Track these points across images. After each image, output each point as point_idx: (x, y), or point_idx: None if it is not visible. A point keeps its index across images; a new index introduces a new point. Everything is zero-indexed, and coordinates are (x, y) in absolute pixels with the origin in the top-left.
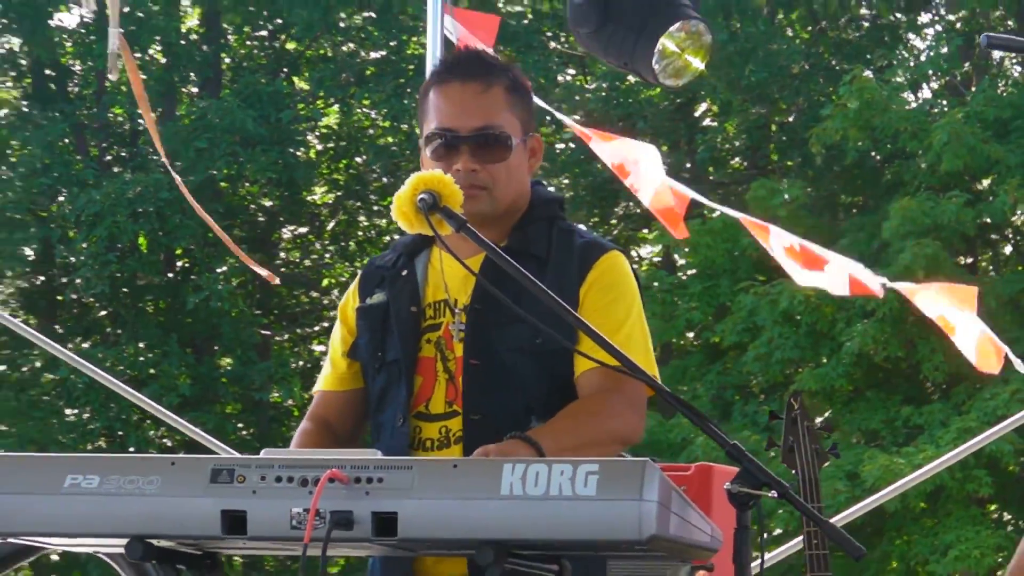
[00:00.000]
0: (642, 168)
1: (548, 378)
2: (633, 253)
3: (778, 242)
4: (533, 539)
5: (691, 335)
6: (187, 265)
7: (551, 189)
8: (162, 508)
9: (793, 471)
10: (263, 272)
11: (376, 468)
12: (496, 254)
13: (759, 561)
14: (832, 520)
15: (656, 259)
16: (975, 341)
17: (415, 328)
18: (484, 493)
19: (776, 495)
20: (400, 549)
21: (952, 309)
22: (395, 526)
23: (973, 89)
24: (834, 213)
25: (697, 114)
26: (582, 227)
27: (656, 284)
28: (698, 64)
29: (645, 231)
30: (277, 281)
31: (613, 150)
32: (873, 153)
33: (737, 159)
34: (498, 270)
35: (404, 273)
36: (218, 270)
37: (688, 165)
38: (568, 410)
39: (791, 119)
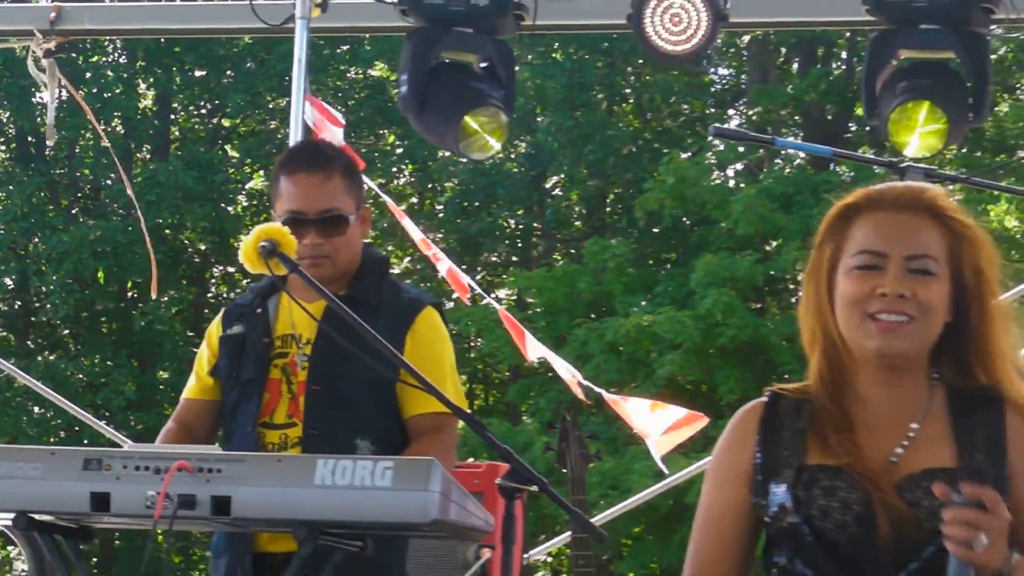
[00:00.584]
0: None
1: (377, 405)
2: (494, 294)
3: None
4: (340, 520)
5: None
6: (136, 295)
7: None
8: (42, 489)
9: (564, 471)
10: (154, 284)
11: (216, 460)
12: (334, 303)
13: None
14: (606, 512)
15: (512, 298)
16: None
17: (266, 354)
18: (301, 483)
19: (537, 489)
20: (234, 526)
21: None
22: (229, 507)
23: (765, 170)
24: (653, 266)
25: (548, 185)
26: (405, 282)
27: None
28: (495, 143)
29: (505, 276)
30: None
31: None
32: (684, 219)
33: (578, 221)
34: (340, 313)
35: (258, 311)
36: (161, 299)
37: (537, 225)
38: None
39: (620, 190)
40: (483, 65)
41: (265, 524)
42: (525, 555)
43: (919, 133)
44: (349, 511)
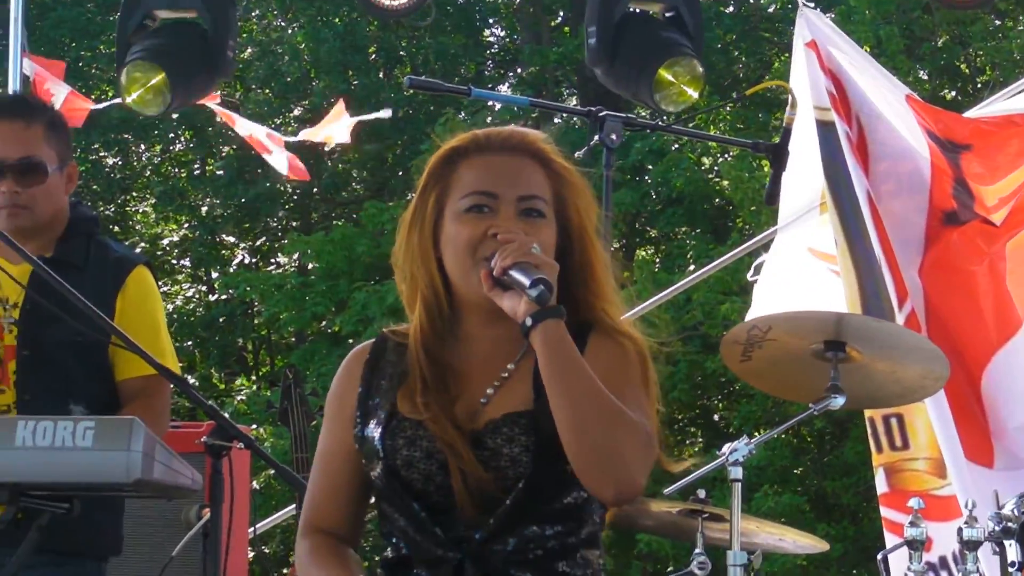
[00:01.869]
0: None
1: (89, 369)
2: (274, 260)
3: None
4: (42, 482)
5: (318, 325)
6: None
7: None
8: None
9: (288, 428)
10: None
11: None
12: (38, 266)
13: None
14: None
15: (293, 264)
16: None
17: None
18: (2, 444)
19: (243, 446)
20: None
21: None
22: None
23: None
24: None
25: (327, 147)
26: (113, 241)
27: (291, 283)
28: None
29: (284, 242)
30: None
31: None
32: None
33: (356, 184)
34: (46, 275)
35: None
36: None
37: (315, 189)
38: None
39: (398, 152)
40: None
41: None
42: (266, 520)
43: (681, 86)
44: (51, 472)
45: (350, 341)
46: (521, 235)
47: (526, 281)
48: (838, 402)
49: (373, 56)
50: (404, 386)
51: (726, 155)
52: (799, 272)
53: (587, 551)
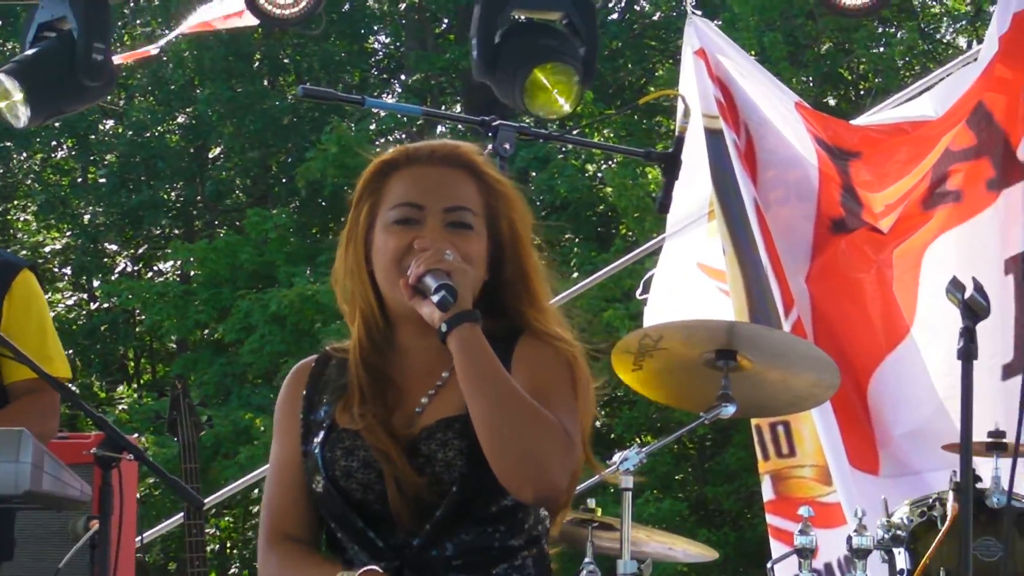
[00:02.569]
0: None
1: None
2: (156, 268)
3: None
4: None
5: (201, 333)
6: None
7: None
8: None
9: (176, 439)
10: None
11: None
12: None
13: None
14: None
15: (175, 273)
16: None
17: None
18: None
19: (133, 458)
20: None
21: None
22: None
23: (426, 137)
24: (316, 235)
25: (209, 156)
26: None
27: (174, 292)
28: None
29: (167, 250)
30: None
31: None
32: (346, 188)
33: (240, 192)
34: None
35: None
36: None
37: (199, 197)
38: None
39: (282, 160)
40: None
41: None
42: (152, 530)
43: (553, 93)
44: None
45: (231, 348)
46: (436, 243)
47: (433, 286)
48: (729, 411)
49: (257, 64)
50: (343, 399)
51: (610, 162)
52: (689, 288)
53: (529, 554)
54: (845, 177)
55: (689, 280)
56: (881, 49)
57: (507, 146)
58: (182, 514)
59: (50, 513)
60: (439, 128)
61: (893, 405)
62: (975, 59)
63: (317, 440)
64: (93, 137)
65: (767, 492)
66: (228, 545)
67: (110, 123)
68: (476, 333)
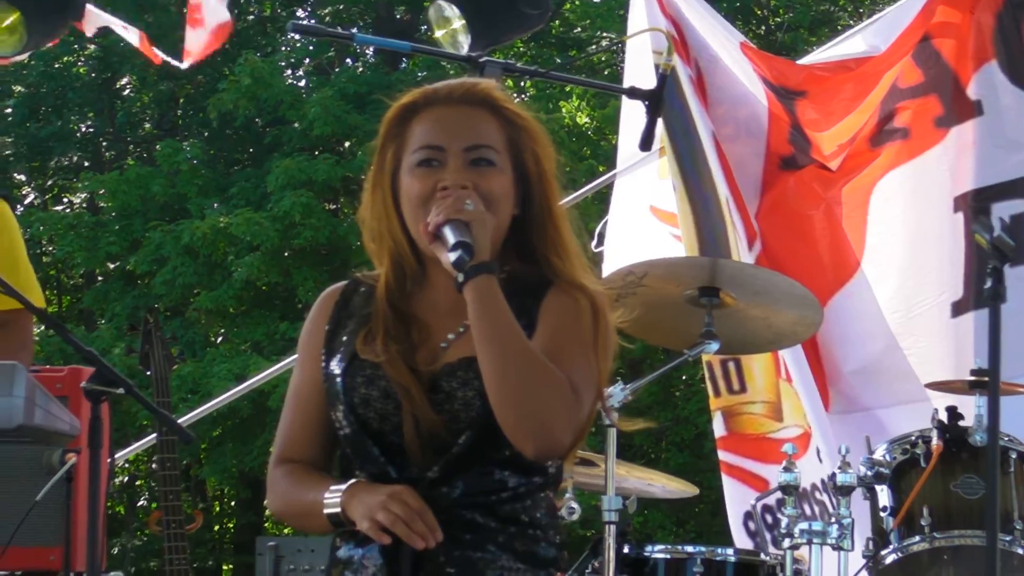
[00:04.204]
0: None
1: None
2: (66, 199)
3: None
4: None
5: (111, 265)
6: None
7: None
8: None
9: (148, 372)
10: None
11: None
12: None
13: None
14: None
15: (84, 204)
16: None
17: None
18: None
19: (123, 391)
20: None
21: None
22: None
23: (337, 69)
24: (227, 167)
25: (118, 87)
26: None
27: (84, 223)
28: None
29: (75, 181)
30: None
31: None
32: (257, 120)
33: (149, 123)
34: None
35: None
36: None
37: (109, 129)
38: None
39: (192, 91)
40: None
41: None
42: (110, 459)
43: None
44: None
45: (143, 280)
46: (459, 190)
47: (451, 241)
48: (712, 348)
49: None
50: (367, 330)
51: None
52: (643, 234)
53: (537, 496)
54: (792, 116)
55: (642, 224)
56: None
57: (495, 82)
58: (154, 435)
59: (26, 445)
60: (347, 61)
61: (841, 342)
62: None
63: (338, 364)
64: (0, 68)
65: (718, 428)
66: (137, 480)
67: None
68: (491, 285)
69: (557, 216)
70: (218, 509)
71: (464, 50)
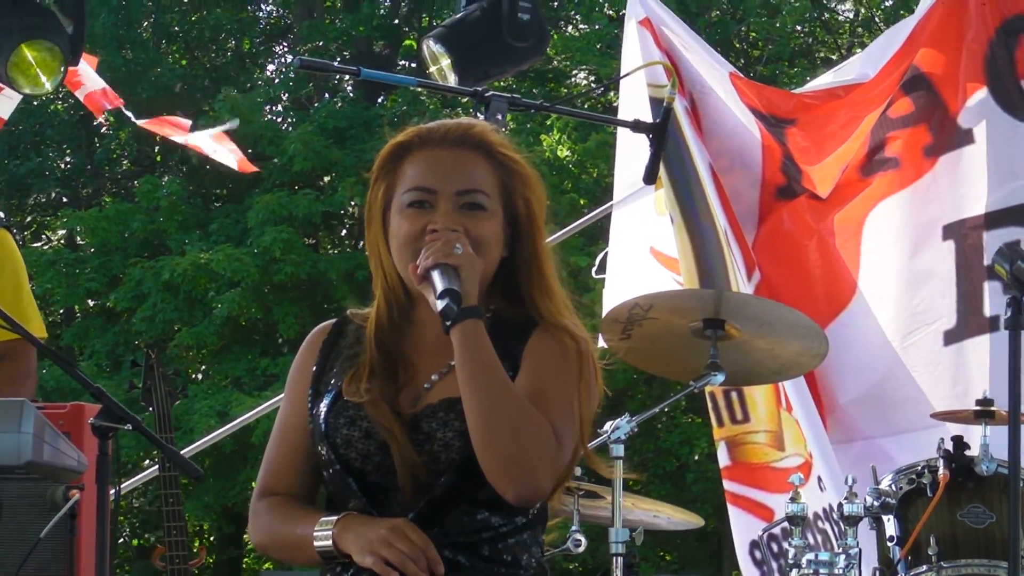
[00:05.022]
0: None
1: None
2: (44, 235)
3: None
4: None
5: (91, 302)
6: None
7: None
8: None
9: (150, 408)
10: None
11: None
12: None
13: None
14: (195, 444)
15: (63, 241)
16: None
17: None
18: None
19: (131, 427)
20: None
21: None
22: None
23: (316, 104)
24: (207, 203)
25: (95, 123)
26: None
27: (64, 260)
28: (46, 82)
29: (54, 217)
30: None
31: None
32: None
33: (127, 160)
34: None
35: None
36: None
37: (88, 166)
38: None
39: None
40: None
41: None
42: (128, 482)
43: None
44: None
45: (123, 317)
46: (449, 233)
47: (439, 288)
48: (718, 379)
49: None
50: (353, 370)
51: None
52: (645, 278)
53: (523, 538)
54: (783, 146)
55: (644, 268)
56: (771, 17)
57: (499, 116)
58: (156, 467)
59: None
60: (325, 98)
61: (837, 372)
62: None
63: (323, 406)
64: None
65: (723, 458)
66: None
67: None
68: (478, 330)
69: (544, 259)
70: (197, 544)
71: (453, 85)
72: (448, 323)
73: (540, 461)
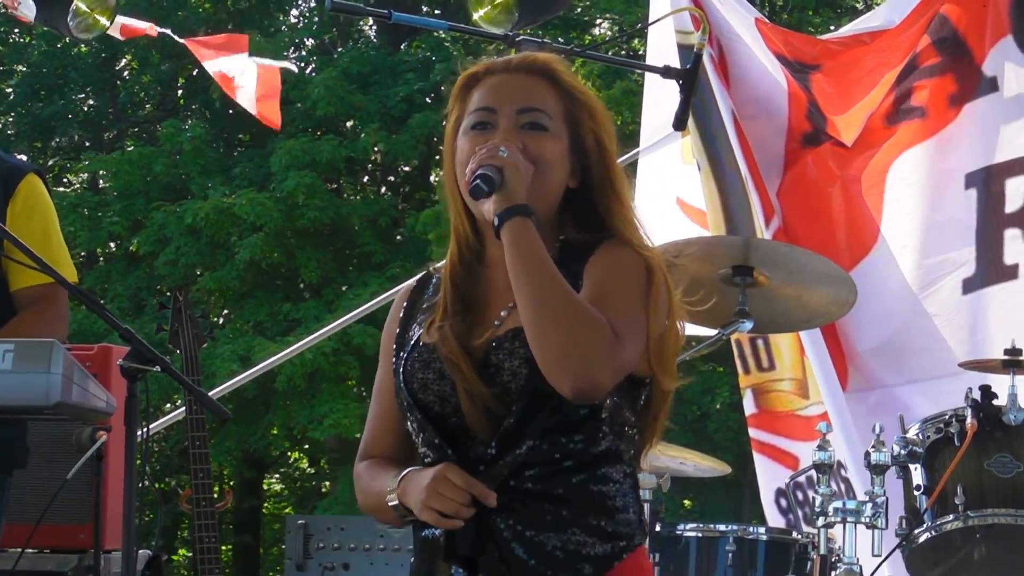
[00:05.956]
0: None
1: None
2: (66, 178)
3: None
4: None
5: (113, 245)
6: None
7: None
8: None
9: (178, 350)
10: None
11: None
12: None
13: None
14: (219, 388)
15: (85, 184)
16: None
17: None
18: None
19: (159, 369)
20: None
21: None
22: None
23: (340, 49)
24: (230, 148)
25: (119, 67)
26: (3, 152)
27: (87, 203)
28: (104, 21)
29: (75, 161)
30: None
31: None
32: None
33: (150, 104)
34: None
35: None
36: None
37: (111, 109)
38: (10, 326)
39: (195, 72)
40: None
41: None
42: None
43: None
44: None
45: (145, 261)
46: (498, 142)
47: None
48: (746, 327)
49: None
50: (432, 317)
51: None
52: (671, 229)
53: (607, 466)
54: (808, 92)
55: (670, 215)
56: None
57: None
58: (182, 409)
59: (59, 423)
60: (349, 43)
61: (856, 321)
62: None
63: (404, 357)
64: (3, 48)
65: (748, 406)
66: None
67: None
68: (526, 226)
69: (619, 186)
70: (217, 489)
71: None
72: (496, 221)
73: (595, 353)
